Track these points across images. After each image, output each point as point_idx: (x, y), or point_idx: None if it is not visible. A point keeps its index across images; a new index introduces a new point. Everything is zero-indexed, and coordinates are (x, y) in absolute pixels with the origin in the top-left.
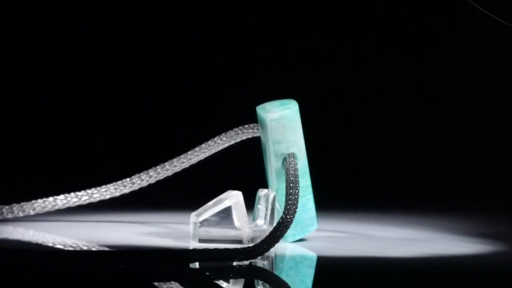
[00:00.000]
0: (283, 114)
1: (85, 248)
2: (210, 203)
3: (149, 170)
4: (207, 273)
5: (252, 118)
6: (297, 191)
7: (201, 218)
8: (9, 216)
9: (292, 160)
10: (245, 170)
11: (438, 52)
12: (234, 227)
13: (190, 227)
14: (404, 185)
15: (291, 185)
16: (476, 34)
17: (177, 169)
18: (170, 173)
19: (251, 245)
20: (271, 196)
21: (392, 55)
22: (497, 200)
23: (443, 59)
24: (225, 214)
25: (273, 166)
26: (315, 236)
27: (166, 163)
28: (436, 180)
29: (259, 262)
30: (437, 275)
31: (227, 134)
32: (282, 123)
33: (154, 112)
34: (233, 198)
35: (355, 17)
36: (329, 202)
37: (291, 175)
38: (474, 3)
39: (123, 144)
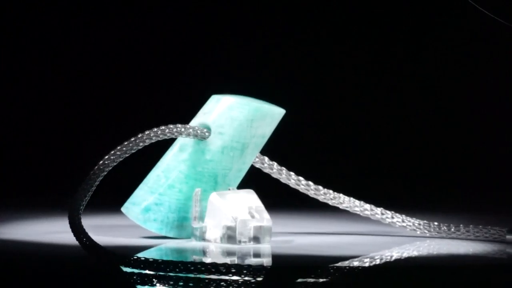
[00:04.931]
0: None
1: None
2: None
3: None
4: None
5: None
6: None
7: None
8: None
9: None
10: None
11: (438, 52)
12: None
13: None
14: (404, 185)
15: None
16: (476, 34)
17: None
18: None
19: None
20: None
21: (391, 54)
22: (497, 200)
23: (442, 58)
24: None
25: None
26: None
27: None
28: (435, 180)
29: None
30: (437, 275)
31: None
32: None
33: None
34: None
35: (355, 16)
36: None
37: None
38: (474, 3)
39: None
